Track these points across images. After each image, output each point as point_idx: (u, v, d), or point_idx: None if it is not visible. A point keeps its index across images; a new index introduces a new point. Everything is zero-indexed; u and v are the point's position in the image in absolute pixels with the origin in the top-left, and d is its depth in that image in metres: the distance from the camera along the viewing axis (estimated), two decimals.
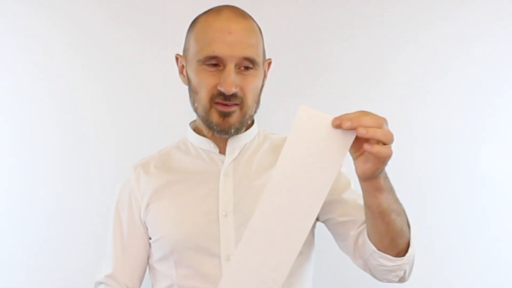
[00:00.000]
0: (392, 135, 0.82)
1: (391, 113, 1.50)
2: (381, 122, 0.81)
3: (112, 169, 1.49)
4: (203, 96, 1.06)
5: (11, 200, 1.53)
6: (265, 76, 1.13)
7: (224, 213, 1.08)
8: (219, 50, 1.02)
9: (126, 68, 1.54)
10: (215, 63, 1.03)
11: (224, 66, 1.03)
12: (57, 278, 1.53)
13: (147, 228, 1.15)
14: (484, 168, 1.55)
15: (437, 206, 1.56)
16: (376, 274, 1.03)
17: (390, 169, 1.45)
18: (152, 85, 1.54)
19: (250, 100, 1.07)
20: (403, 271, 1.00)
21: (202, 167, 1.14)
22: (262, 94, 1.12)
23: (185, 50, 1.11)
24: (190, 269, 1.08)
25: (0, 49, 1.52)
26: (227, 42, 1.01)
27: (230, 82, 1.02)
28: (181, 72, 1.14)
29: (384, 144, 0.82)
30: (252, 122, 1.18)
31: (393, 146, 1.50)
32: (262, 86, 1.12)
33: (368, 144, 0.81)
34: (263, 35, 1.12)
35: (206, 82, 1.05)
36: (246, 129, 1.16)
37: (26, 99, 1.53)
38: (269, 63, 1.15)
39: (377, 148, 0.81)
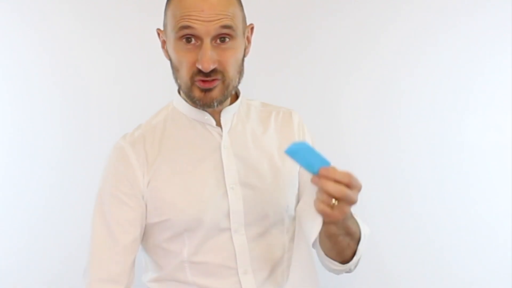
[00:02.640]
0: (346, 194, 0.89)
1: (377, 82, 1.58)
2: (345, 180, 0.89)
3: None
4: (184, 74, 1.04)
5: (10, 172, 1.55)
6: (249, 42, 1.12)
7: (231, 186, 1.08)
8: (194, 26, 1.00)
9: (128, 33, 1.56)
10: (190, 37, 1.01)
11: (201, 42, 1.01)
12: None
13: (146, 205, 1.10)
14: (467, 138, 1.59)
15: (419, 175, 1.60)
16: (324, 267, 1.15)
17: (377, 135, 1.54)
18: (153, 50, 1.50)
19: (231, 72, 1.05)
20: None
21: (200, 140, 1.12)
22: (251, 63, 1.12)
23: (164, 25, 1.09)
24: (202, 245, 1.08)
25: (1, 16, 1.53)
26: (201, 18, 0.99)
27: (207, 59, 1.00)
28: (163, 47, 1.12)
29: (338, 199, 0.89)
30: (237, 96, 1.16)
31: (379, 110, 1.54)
32: (245, 54, 1.10)
33: (316, 201, 0.91)
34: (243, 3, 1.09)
35: (185, 60, 1.03)
36: (233, 100, 1.14)
37: (26, 68, 1.55)
38: (252, 29, 1.12)
39: (320, 206, 0.90)
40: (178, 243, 1.08)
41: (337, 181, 0.89)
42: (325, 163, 0.92)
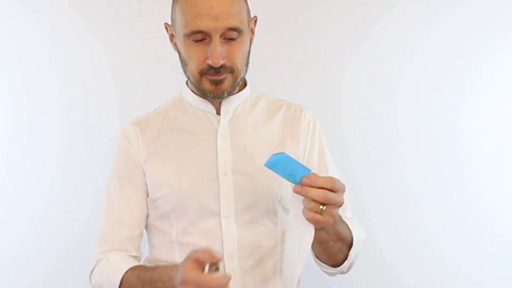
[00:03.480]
0: (331, 198, 0.91)
1: (375, 72, 1.58)
2: (329, 185, 0.91)
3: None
4: (193, 69, 1.08)
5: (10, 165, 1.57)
6: (252, 33, 1.15)
7: (223, 172, 1.11)
8: (203, 24, 1.03)
9: (127, 29, 1.57)
10: (200, 38, 1.05)
11: (210, 39, 1.04)
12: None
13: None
14: (464, 125, 1.59)
15: (416, 163, 1.59)
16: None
17: (375, 128, 1.56)
18: (153, 46, 1.56)
19: (239, 65, 1.09)
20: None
21: (199, 127, 1.16)
22: (252, 54, 1.14)
23: (172, 20, 1.12)
24: (190, 226, 1.11)
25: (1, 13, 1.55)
26: (210, 15, 1.02)
27: (217, 55, 1.04)
28: (171, 40, 1.15)
29: (324, 204, 0.91)
30: (245, 84, 1.20)
31: (377, 102, 1.56)
32: (250, 45, 1.13)
33: (304, 210, 0.93)
34: None
35: (195, 56, 1.07)
36: (239, 90, 1.17)
37: (27, 62, 1.56)
38: (255, 21, 1.15)
39: (310, 215, 0.92)
40: (166, 223, 1.13)
41: (321, 188, 0.91)
42: (306, 171, 0.93)
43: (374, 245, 1.59)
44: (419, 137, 1.60)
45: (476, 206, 1.59)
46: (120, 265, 1.08)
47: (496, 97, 1.58)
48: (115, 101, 1.58)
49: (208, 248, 0.90)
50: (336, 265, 1.11)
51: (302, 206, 0.94)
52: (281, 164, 0.92)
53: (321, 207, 0.92)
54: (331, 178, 0.93)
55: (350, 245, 1.08)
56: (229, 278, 0.88)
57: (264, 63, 1.52)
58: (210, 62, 1.04)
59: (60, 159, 1.57)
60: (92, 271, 1.14)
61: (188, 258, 0.90)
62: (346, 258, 1.09)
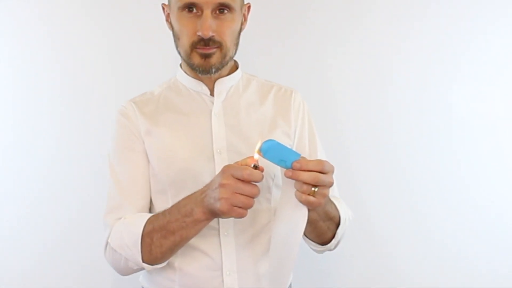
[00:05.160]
0: (322, 180, 0.96)
1: (367, 55, 1.60)
2: (319, 168, 0.95)
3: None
4: (185, 42, 1.13)
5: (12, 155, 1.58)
6: (245, 20, 1.20)
7: (218, 151, 1.14)
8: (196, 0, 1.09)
9: (127, 19, 1.59)
10: (191, 7, 1.10)
11: (202, 12, 1.10)
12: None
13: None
14: (457, 112, 1.60)
15: (409, 150, 1.60)
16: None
17: (367, 110, 1.57)
18: (153, 49, 1.58)
19: (228, 42, 1.13)
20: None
21: (194, 107, 1.19)
22: (247, 40, 1.19)
23: None
24: None
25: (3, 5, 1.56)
26: None
27: (207, 26, 1.09)
28: (166, 20, 1.21)
29: (315, 185, 0.96)
30: (236, 67, 1.24)
31: (369, 89, 1.58)
32: (241, 29, 1.18)
33: (297, 193, 0.97)
34: None
35: (186, 28, 1.12)
36: (231, 72, 1.22)
37: (27, 52, 1.57)
38: (249, 7, 1.21)
39: (303, 197, 0.97)
40: (163, 198, 1.15)
41: (311, 171, 0.95)
42: (296, 155, 0.96)
43: (375, 244, 1.61)
44: (413, 128, 1.61)
45: (475, 200, 1.60)
46: (141, 216, 1.10)
47: (493, 91, 1.59)
48: (114, 101, 1.56)
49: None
50: (324, 243, 1.17)
51: (294, 190, 0.97)
52: (271, 151, 0.95)
53: (313, 189, 0.96)
54: (320, 160, 0.97)
55: (338, 224, 1.14)
56: (262, 176, 0.96)
57: (258, 49, 1.56)
58: (200, 33, 1.09)
59: (59, 158, 1.58)
60: (107, 242, 1.12)
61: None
62: (334, 236, 1.15)
